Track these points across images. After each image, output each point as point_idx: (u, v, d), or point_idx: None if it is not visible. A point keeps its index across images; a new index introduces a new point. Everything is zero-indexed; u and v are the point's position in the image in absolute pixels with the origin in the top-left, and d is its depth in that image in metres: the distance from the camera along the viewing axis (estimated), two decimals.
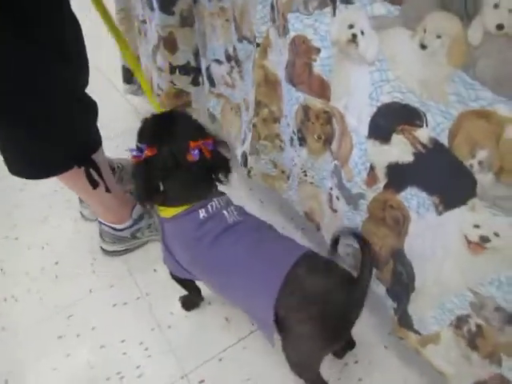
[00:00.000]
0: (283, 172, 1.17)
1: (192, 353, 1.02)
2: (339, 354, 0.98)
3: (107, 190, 1.02)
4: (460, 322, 0.76)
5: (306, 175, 1.05)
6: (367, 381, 0.97)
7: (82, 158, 0.95)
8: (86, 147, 0.97)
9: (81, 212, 1.31)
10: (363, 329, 0.99)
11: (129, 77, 1.69)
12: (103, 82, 1.99)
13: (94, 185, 0.99)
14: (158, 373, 0.99)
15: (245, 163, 1.24)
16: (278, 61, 0.94)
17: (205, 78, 1.34)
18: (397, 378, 0.97)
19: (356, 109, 0.78)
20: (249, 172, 1.25)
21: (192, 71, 1.39)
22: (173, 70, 1.38)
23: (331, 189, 0.97)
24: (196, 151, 0.80)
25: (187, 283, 1.03)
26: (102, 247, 1.21)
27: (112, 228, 1.15)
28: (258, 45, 0.96)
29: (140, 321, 1.08)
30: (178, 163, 0.81)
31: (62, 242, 1.29)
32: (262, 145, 1.15)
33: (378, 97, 0.70)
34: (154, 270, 1.19)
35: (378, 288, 0.94)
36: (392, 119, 0.70)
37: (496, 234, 0.61)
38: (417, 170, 0.70)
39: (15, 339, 1.07)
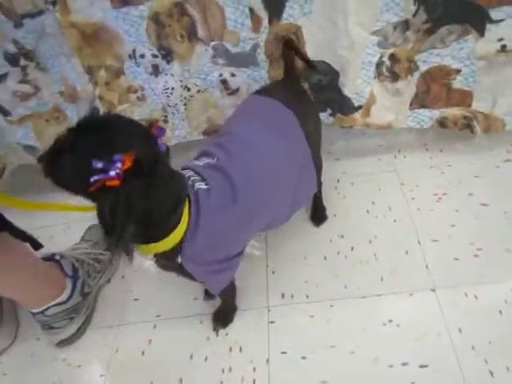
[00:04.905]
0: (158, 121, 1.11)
1: None
2: None
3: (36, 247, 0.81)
4: (379, 68, 0.96)
5: (188, 89, 1.03)
6: None
7: None
8: None
9: None
10: None
11: None
12: None
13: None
14: None
15: None
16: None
17: None
18: None
19: None
20: None
21: None
22: None
23: (220, 75, 1.00)
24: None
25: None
26: (62, 340, 0.92)
27: (58, 304, 0.90)
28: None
29: None
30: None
31: None
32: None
33: None
34: None
35: None
36: None
37: None
38: None
39: None
